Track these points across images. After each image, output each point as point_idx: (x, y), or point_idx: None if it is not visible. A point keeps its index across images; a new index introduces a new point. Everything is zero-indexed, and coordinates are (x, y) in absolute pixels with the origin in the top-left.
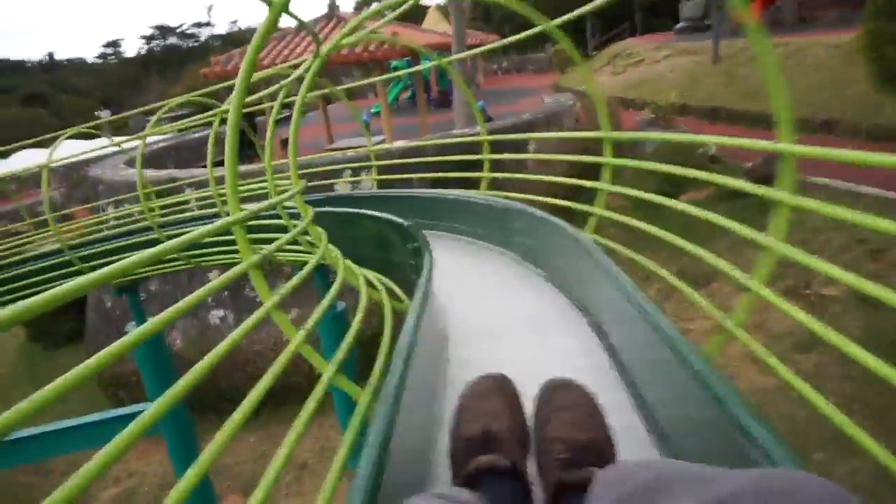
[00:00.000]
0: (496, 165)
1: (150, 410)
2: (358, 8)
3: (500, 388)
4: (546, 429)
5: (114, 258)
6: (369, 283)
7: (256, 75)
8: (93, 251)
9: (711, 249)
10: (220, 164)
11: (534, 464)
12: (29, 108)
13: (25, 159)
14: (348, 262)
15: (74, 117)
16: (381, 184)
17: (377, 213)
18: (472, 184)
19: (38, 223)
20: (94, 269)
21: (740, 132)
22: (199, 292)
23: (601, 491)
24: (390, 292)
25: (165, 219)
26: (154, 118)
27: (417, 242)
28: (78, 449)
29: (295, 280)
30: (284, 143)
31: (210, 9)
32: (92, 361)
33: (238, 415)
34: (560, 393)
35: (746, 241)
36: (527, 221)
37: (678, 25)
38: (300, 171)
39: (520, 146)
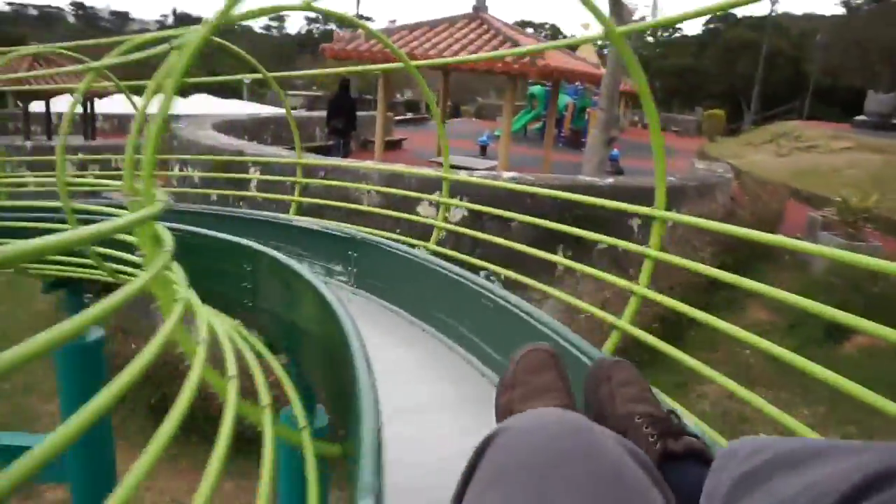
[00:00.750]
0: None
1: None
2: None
3: (552, 364)
4: (613, 405)
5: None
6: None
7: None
8: None
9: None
10: (318, 150)
11: None
12: None
13: (195, 103)
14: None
15: (224, 74)
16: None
17: (310, 280)
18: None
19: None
20: None
21: None
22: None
23: (726, 462)
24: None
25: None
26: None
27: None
28: None
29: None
30: (393, 144)
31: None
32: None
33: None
34: (617, 370)
35: None
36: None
37: (859, 118)
38: (386, 187)
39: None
